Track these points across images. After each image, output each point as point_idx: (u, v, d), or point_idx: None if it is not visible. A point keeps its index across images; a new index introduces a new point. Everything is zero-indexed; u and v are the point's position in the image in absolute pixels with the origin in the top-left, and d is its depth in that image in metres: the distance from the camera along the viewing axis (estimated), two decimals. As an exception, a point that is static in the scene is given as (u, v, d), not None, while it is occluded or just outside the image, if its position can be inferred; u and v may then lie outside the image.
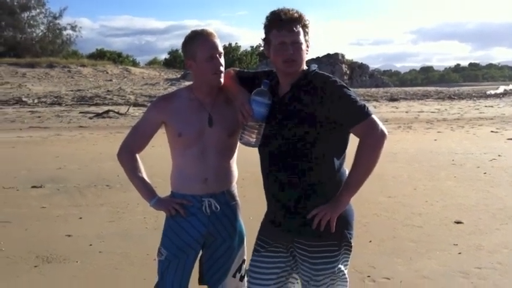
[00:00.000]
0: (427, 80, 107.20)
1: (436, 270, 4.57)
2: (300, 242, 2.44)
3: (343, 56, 51.07)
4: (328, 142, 2.36)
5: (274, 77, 2.50)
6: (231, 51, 55.89)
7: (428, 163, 10.17)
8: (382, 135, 2.31)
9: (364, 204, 6.80)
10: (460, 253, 5.01)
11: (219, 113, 2.66)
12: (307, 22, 2.40)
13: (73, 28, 53.35)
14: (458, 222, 6.02)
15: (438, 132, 16.10)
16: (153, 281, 2.80)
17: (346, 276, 2.51)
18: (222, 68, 2.61)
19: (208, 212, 2.68)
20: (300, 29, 2.37)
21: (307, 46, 2.42)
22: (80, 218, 6.29)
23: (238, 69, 2.78)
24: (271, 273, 2.54)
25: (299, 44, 2.36)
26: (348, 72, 49.76)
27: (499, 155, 10.92)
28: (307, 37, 2.40)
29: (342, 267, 2.47)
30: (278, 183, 2.44)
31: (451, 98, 35.04)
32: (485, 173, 9.00)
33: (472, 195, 7.41)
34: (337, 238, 2.41)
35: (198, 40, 2.58)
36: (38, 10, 52.05)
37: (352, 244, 2.50)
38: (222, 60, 2.60)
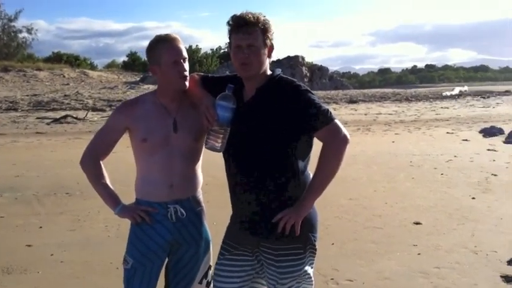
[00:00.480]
0: (384, 82, 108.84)
1: (397, 271, 4.68)
2: (265, 245, 2.47)
3: (303, 58, 51.53)
4: (292, 145, 2.39)
5: (238, 81, 2.50)
6: (191, 53, 55.54)
7: (387, 165, 10.39)
8: (344, 140, 2.37)
9: (326, 207, 6.89)
10: (419, 253, 5.14)
11: (184, 118, 2.65)
12: (267, 25, 2.40)
13: (29, 31, 51.84)
14: (417, 223, 6.19)
15: (396, 134, 16.45)
16: None
17: (312, 278, 2.55)
18: (187, 73, 2.60)
19: (174, 219, 2.67)
20: (258, 32, 2.37)
21: (269, 49, 2.44)
22: (40, 227, 6.17)
23: (202, 74, 2.79)
24: (235, 277, 2.56)
25: (254, 47, 2.37)
26: (308, 74, 50.22)
27: (455, 156, 11.25)
28: (267, 40, 2.41)
29: (308, 270, 2.51)
30: (243, 186, 2.47)
31: (408, 99, 35.77)
32: (442, 174, 9.27)
33: (429, 196, 7.61)
34: (302, 241, 2.45)
35: (163, 45, 2.58)
36: (-8, 13, 50.53)
37: (317, 246, 2.54)
38: (186, 64, 2.61)
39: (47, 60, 50.10)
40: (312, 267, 2.55)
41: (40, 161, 10.96)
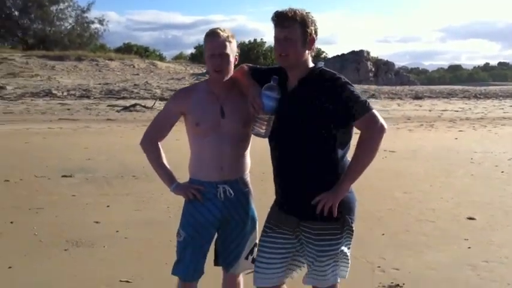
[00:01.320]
0: (455, 79, 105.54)
1: (444, 263, 4.73)
2: (305, 225, 2.67)
3: (368, 53, 50.78)
4: (332, 134, 2.56)
5: (284, 72, 2.69)
6: (255, 46, 55.88)
7: (446, 161, 10.30)
8: (381, 129, 2.53)
9: (380, 199, 7.02)
10: (469, 247, 5.16)
11: (232, 105, 2.85)
12: (305, 19, 2.57)
13: (100, 22, 53.81)
14: (470, 218, 6.18)
15: (460, 131, 16.11)
16: (172, 265, 2.99)
17: (349, 258, 2.73)
18: (222, 67, 2.78)
19: (223, 198, 2.88)
20: (295, 25, 2.55)
21: (307, 42, 2.60)
22: (108, 206, 6.59)
23: (251, 65, 2.99)
24: (276, 253, 2.76)
25: (291, 39, 2.55)
26: (373, 69, 49.49)
27: (518, 155, 11.00)
28: (306, 34, 2.57)
29: (345, 249, 2.69)
30: (285, 170, 2.67)
31: (476, 97, 34.65)
32: (502, 172, 9.13)
33: (487, 193, 7.54)
34: (339, 222, 2.63)
35: (206, 40, 2.82)
36: (66, 3, 52.50)
37: (354, 228, 2.72)
38: (224, 59, 2.78)
39: (118, 50, 51.71)
40: (349, 248, 2.73)
41: (110, 145, 11.55)
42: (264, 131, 2.64)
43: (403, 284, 4.21)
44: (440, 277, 4.41)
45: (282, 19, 2.57)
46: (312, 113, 2.52)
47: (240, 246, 3.01)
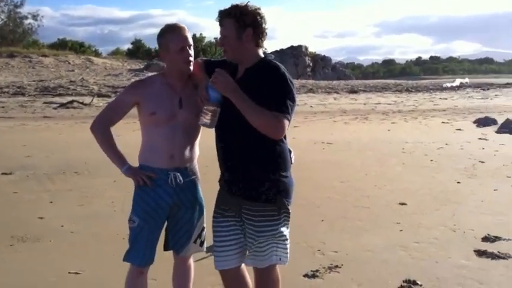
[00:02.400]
0: (389, 73, 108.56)
1: (379, 244, 5.02)
2: (246, 207, 2.81)
3: (306, 48, 51.63)
4: None
5: (235, 64, 2.85)
6: (195, 41, 54.57)
7: (380, 151, 10.78)
8: (275, 133, 2.65)
9: (319, 188, 7.35)
10: (401, 230, 5.49)
11: (188, 96, 2.98)
12: (240, 12, 2.69)
13: (34, 17, 51.81)
14: (402, 204, 6.54)
15: (392, 123, 16.81)
16: (121, 257, 3.06)
17: (287, 239, 2.88)
18: (191, 58, 2.94)
19: (174, 184, 3.00)
20: (230, 21, 2.72)
21: (243, 35, 2.71)
22: (51, 202, 6.57)
23: (205, 58, 3.13)
24: (228, 236, 2.91)
25: (226, 36, 2.75)
26: (310, 64, 50.38)
27: (446, 144, 11.64)
28: (242, 28, 2.69)
29: (284, 231, 2.84)
30: (231, 155, 2.82)
31: (408, 90, 36.00)
32: (431, 160, 9.66)
33: (417, 180, 7.99)
34: (277, 204, 2.78)
35: (171, 34, 2.92)
36: (-2, -2, 50.59)
37: (290, 211, 2.88)
38: (191, 51, 2.95)
39: (52, 46, 50.10)
40: (287, 229, 2.87)
41: (49, 143, 11.33)
42: (209, 121, 2.76)
43: (342, 264, 4.46)
44: (375, 257, 4.69)
45: (219, 17, 2.76)
46: (254, 100, 2.63)
47: (190, 230, 3.14)
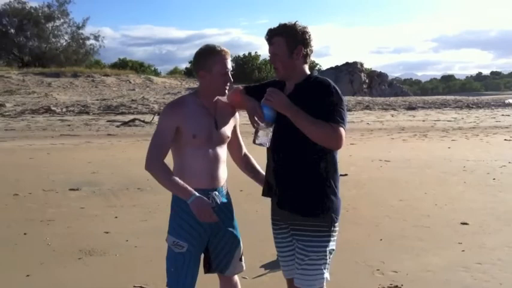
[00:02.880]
0: (448, 89, 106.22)
1: (440, 265, 4.94)
2: (295, 222, 2.86)
3: (361, 64, 51.20)
4: None
5: (280, 83, 2.95)
6: (250, 60, 56.07)
7: (440, 169, 10.57)
8: (335, 145, 2.72)
9: (377, 207, 7.30)
10: (463, 250, 5.37)
11: (221, 117, 3.04)
12: (290, 30, 2.80)
13: (96, 38, 53.96)
14: (464, 224, 6.39)
15: (452, 140, 16.45)
16: None
17: (330, 255, 2.89)
18: (231, 84, 3.01)
19: (214, 204, 2.96)
20: (280, 40, 2.80)
21: (294, 53, 2.80)
22: (116, 217, 6.81)
23: (245, 85, 3.21)
24: (285, 247, 3.01)
25: (277, 54, 2.84)
26: (366, 81, 49.89)
27: (509, 162, 11.30)
28: (293, 46, 2.79)
29: (333, 249, 2.89)
30: (276, 166, 2.89)
31: (469, 106, 35.08)
32: (494, 179, 9.40)
33: (479, 199, 7.79)
34: (327, 219, 2.82)
35: (217, 56, 2.93)
36: (62, 20, 52.75)
37: (337, 229, 2.92)
38: (231, 76, 3.01)
39: (113, 66, 51.84)
40: (333, 249, 2.90)
41: (113, 160, 11.80)
42: (265, 140, 2.84)
43: (402, 285, 4.41)
44: (436, 278, 4.61)
45: (268, 36, 2.86)
46: (309, 112, 2.69)
47: (231, 251, 3.13)
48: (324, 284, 2.89)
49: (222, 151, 3.06)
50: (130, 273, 4.77)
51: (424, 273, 4.74)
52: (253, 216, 6.65)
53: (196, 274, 3.02)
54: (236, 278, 3.27)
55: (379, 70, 56.03)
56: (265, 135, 2.83)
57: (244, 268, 3.24)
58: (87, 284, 4.52)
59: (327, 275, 2.88)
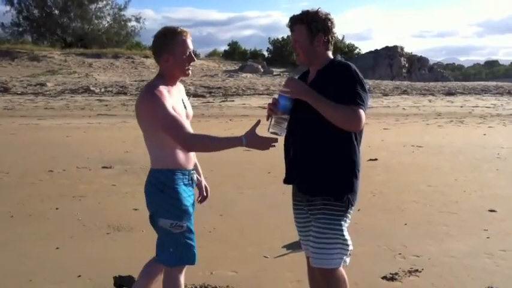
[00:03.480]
0: (491, 75, 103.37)
1: (463, 251, 4.91)
2: (313, 203, 2.93)
3: (402, 48, 50.27)
4: None
5: (308, 71, 3.02)
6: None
7: (473, 156, 10.42)
8: (354, 126, 2.75)
9: (404, 192, 7.27)
10: (488, 237, 5.32)
11: (184, 98, 3.09)
12: (312, 17, 2.83)
13: (137, 20, 54.35)
14: (492, 211, 6.31)
15: (489, 127, 16.13)
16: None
17: (348, 240, 2.94)
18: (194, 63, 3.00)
19: (193, 183, 3.11)
20: (302, 27, 2.86)
21: (316, 41, 2.84)
22: (145, 195, 6.99)
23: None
24: (308, 229, 3.05)
25: (298, 41, 2.88)
26: (406, 65, 49.01)
27: (545, 151, 11.04)
28: (313, 33, 2.82)
29: (345, 230, 2.92)
30: (294, 151, 2.96)
31: (510, 93, 34.12)
32: (528, 167, 9.21)
33: (510, 187, 7.68)
34: (344, 201, 2.87)
35: (179, 38, 2.91)
36: (104, 2, 53.37)
37: (352, 211, 2.97)
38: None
39: (154, 48, 52.29)
40: (346, 229, 2.94)
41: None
42: (280, 129, 2.88)
43: (422, 269, 4.42)
44: (458, 263, 4.60)
45: (290, 23, 2.91)
46: (328, 98, 2.73)
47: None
48: (341, 265, 2.93)
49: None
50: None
51: (446, 258, 4.72)
52: (280, 198, 6.74)
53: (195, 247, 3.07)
54: None
55: (420, 54, 54.93)
56: (280, 124, 2.88)
57: None
58: (113, 258, 4.67)
59: (346, 258, 2.93)
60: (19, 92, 25.68)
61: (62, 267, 4.43)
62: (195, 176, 3.13)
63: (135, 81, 31.85)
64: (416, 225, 5.76)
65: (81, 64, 39.83)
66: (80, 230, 5.49)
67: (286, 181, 3.10)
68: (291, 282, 4.12)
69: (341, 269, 2.95)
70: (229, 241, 5.20)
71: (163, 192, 2.97)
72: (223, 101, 24.93)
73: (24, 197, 6.81)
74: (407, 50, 51.79)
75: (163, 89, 2.90)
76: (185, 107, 3.06)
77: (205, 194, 3.45)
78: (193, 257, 3.07)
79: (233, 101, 25.53)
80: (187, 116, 3.04)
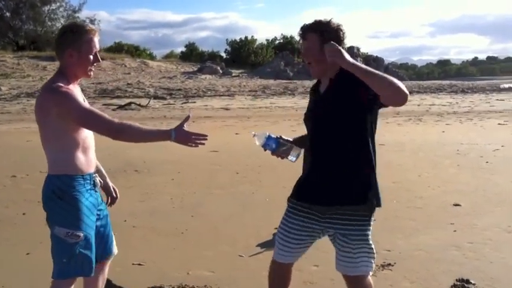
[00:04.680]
0: (444, 74, 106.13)
1: (432, 244, 5.03)
2: (335, 211, 2.84)
3: (358, 49, 51.16)
4: (365, 124, 2.81)
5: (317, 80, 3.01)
6: (246, 44, 55.87)
7: (433, 153, 10.67)
8: (404, 91, 2.61)
9: (371, 189, 7.39)
10: (455, 230, 5.47)
11: (84, 98, 2.91)
12: (323, 27, 2.81)
13: (92, 22, 53.14)
14: (456, 205, 6.49)
15: (447, 124, 16.54)
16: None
17: (373, 249, 2.94)
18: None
19: (96, 187, 2.96)
20: (314, 36, 2.80)
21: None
22: (114, 198, 6.90)
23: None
24: (299, 234, 2.95)
25: (310, 49, 2.85)
26: (363, 65, 49.83)
27: (502, 146, 11.39)
28: (326, 41, 2.74)
29: (370, 238, 2.91)
30: (316, 154, 2.90)
31: (464, 91, 35.15)
32: (487, 162, 9.50)
33: (472, 182, 7.89)
34: (367, 205, 2.86)
35: (87, 35, 2.77)
36: (58, 4, 52.24)
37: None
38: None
39: (109, 50, 51.47)
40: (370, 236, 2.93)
41: (110, 142, 11.43)
42: (292, 157, 3.03)
43: (394, 263, 4.51)
44: (428, 257, 4.71)
45: (302, 31, 2.88)
46: (347, 103, 2.73)
47: (110, 230, 3.12)
48: (370, 273, 2.93)
49: (91, 133, 2.90)
50: (129, 251, 4.82)
51: (416, 252, 4.84)
52: (250, 198, 6.78)
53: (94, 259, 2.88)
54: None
55: (375, 55, 55.95)
56: (288, 154, 3.02)
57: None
58: (87, 262, 4.60)
59: (373, 265, 2.93)
60: (-29, 97, 24.90)
61: (33, 272, 4.33)
62: (97, 179, 2.98)
63: (92, 83, 31.27)
64: (385, 221, 5.80)
65: (35, 67, 38.87)
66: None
67: (301, 198, 2.96)
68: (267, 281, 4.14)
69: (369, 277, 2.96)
70: (203, 241, 5.18)
71: (61, 200, 2.76)
72: (185, 103, 24.77)
73: (-12, 203, 6.61)
74: (363, 50, 52.76)
75: (66, 85, 2.73)
76: None
77: (114, 195, 3.30)
78: (88, 269, 2.84)
79: (195, 102, 25.40)
80: None
